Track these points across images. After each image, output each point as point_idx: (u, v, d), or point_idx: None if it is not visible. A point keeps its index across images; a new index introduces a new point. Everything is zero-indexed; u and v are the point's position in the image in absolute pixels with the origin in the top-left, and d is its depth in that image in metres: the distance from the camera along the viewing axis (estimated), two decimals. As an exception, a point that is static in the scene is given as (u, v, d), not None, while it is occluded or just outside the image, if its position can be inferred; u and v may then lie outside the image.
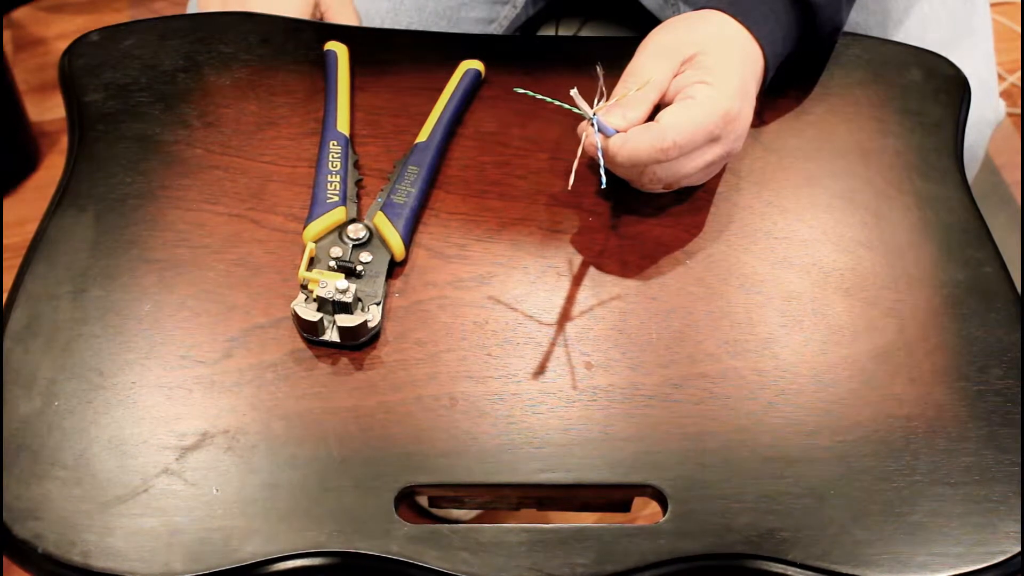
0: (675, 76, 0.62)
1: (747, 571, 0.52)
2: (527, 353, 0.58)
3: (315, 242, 0.61)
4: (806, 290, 0.62)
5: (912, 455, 0.55)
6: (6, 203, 1.45)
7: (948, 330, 0.60)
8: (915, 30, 0.79)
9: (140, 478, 0.52)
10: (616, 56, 0.64)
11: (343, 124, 0.67)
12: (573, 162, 0.59)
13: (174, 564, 0.50)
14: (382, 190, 0.64)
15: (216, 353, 0.57)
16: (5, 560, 0.51)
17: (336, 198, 0.63)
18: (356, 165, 0.66)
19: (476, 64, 0.71)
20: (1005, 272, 0.63)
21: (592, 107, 0.58)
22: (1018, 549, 0.52)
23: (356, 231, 0.61)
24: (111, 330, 0.58)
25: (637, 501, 0.57)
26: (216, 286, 0.60)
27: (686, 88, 0.61)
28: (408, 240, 0.62)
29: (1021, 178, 1.48)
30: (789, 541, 0.52)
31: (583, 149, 0.60)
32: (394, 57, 0.73)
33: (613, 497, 0.56)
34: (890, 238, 0.64)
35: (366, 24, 0.80)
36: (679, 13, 0.71)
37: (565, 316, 0.60)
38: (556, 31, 0.93)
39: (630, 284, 0.62)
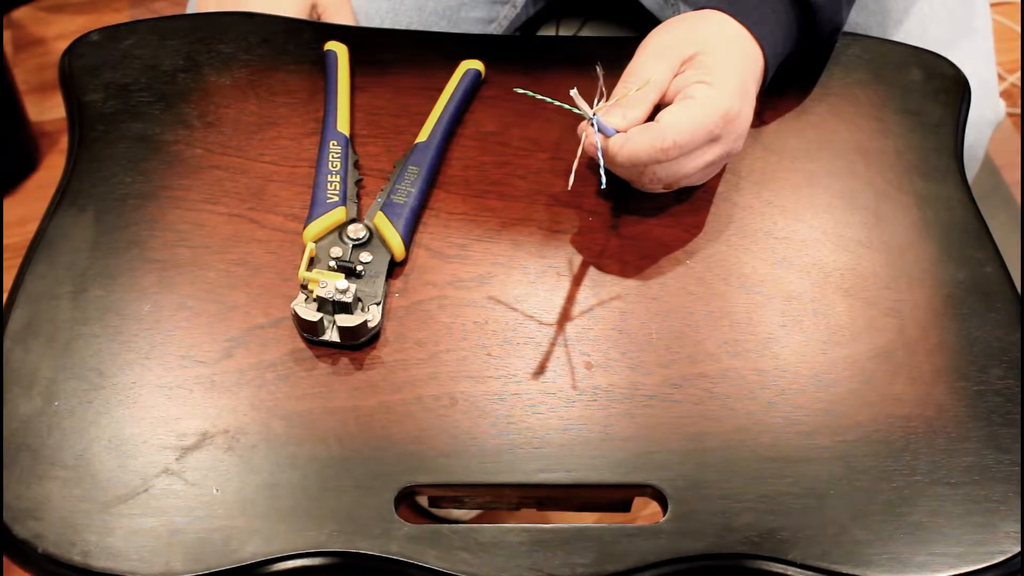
0: (675, 76, 0.62)
1: (747, 571, 0.52)
2: (527, 353, 0.58)
3: (315, 242, 0.61)
4: (806, 290, 0.62)
5: (912, 455, 0.55)
6: (6, 203, 1.45)
7: (948, 330, 0.60)
8: (915, 30, 0.79)
9: (140, 478, 0.52)
10: (616, 56, 0.64)
11: (343, 124, 0.67)
12: (573, 162, 0.59)
13: (174, 564, 0.50)
14: (382, 190, 0.64)
15: (216, 353, 0.57)
16: (5, 560, 0.51)
17: (336, 198, 0.63)
18: (356, 165, 0.66)
19: (476, 64, 0.71)
20: (1005, 272, 0.63)
21: (592, 107, 0.58)
22: (1018, 549, 0.52)
23: (356, 231, 0.61)
24: (111, 330, 0.58)
25: (637, 501, 0.57)
26: (216, 286, 0.60)
27: (686, 88, 0.61)
28: (408, 240, 0.62)
29: (1021, 178, 1.48)
30: (789, 541, 0.52)
31: (583, 149, 0.60)
32: (394, 57, 0.73)
33: (613, 497, 0.56)
34: (890, 238, 0.64)
35: (366, 24, 0.80)
36: (679, 13, 0.71)
37: (565, 316, 0.60)
38: (556, 31, 0.93)
39: (630, 284, 0.62)
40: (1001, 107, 0.83)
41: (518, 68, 0.72)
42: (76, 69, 0.70)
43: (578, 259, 0.63)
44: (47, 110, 1.54)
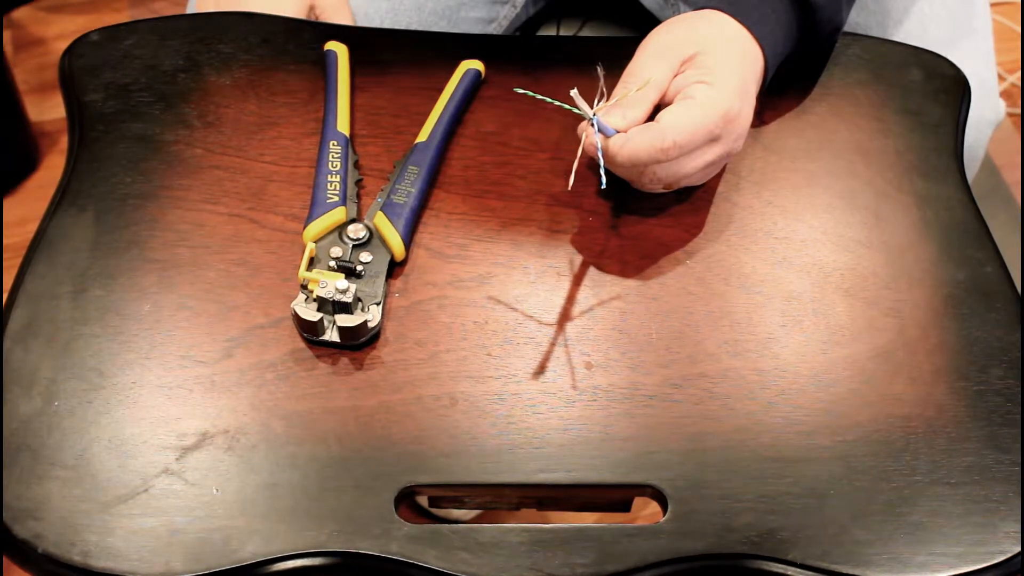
0: (675, 76, 0.62)
1: (747, 571, 0.52)
2: (527, 353, 0.58)
3: (315, 242, 0.61)
4: (806, 290, 0.62)
5: (912, 455, 0.55)
6: (6, 203, 1.45)
7: (948, 330, 0.60)
8: (915, 30, 0.79)
9: (140, 478, 0.52)
10: (616, 56, 0.64)
11: (343, 124, 0.67)
12: (573, 162, 0.59)
13: (174, 564, 0.50)
14: (382, 190, 0.64)
15: (216, 353, 0.57)
16: (5, 560, 0.51)
17: (336, 198, 0.63)
18: (356, 165, 0.66)
19: (476, 64, 0.71)
20: (1005, 272, 0.63)
21: (592, 107, 0.58)
22: (1018, 549, 0.52)
23: (356, 231, 0.61)
24: (111, 330, 0.58)
25: (637, 501, 0.57)
26: (216, 286, 0.60)
27: (686, 88, 0.61)
28: (408, 240, 0.62)
29: (1021, 178, 1.48)
30: (789, 541, 0.52)
31: (583, 149, 0.60)
32: (394, 57, 0.73)
33: (613, 497, 0.56)
34: (890, 238, 0.64)
35: (365, 24, 0.80)
36: (679, 13, 0.71)
37: (565, 316, 0.60)
38: (556, 31, 0.93)
39: (630, 284, 0.62)
40: (1001, 107, 0.83)
41: (518, 68, 0.72)
42: (76, 69, 0.70)
43: (578, 259, 0.63)
44: (47, 110, 1.54)
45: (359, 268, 0.60)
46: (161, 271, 0.60)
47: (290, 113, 0.69)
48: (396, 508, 0.52)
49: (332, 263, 0.60)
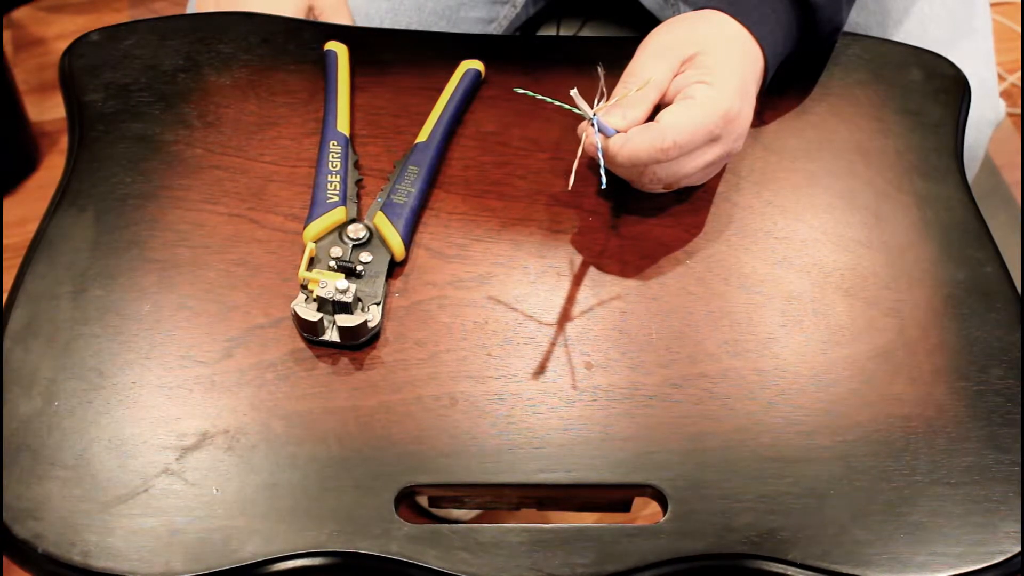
0: (675, 76, 0.62)
1: (747, 571, 0.52)
2: (527, 353, 0.58)
3: (315, 242, 0.61)
4: (806, 290, 0.62)
5: (912, 455, 0.55)
6: (6, 203, 1.45)
7: (948, 330, 0.60)
8: (915, 30, 0.79)
9: (140, 478, 0.52)
10: (616, 56, 0.64)
11: (343, 124, 0.67)
12: (573, 162, 0.59)
13: (174, 564, 0.50)
14: (382, 190, 0.64)
15: (216, 353, 0.57)
16: (5, 560, 0.51)
17: (336, 198, 0.63)
18: (356, 165, 0.66)
19: (476, 64, 0.71)
20: (1005, 272, 0.63)
21: (592, 107, 0.58)
22: (1018, 549, 0.52)
23: (356, 231, 0.61)
24: (111, 330, 0.58)
25: (637, 501, 0.57)
26: (216, 286, 0.60)
27: (686, 88, 0.61)
28: (408, 240, 0.62)
29: (1021, 178, 1.48)
30: (789, 541, 0.52)
31: (583, 149, 0.60)
32: (394, 57, 0.73)
33: (613, 497, 0.56)
34: (890, 238, 0.64)
35: (365, 24, 0.80)
36: (679, 13, 0.71)
37: (565, 316, 0.60)
38: (556, 31, 0.93)
39: (630, 284, 0.62)
40: (1001, 107, 0.83)
41: (518, 68, 0.72)
42: (76, 69, 0.70)
43: (578, 259, 0.63)
44: (47, 110, 1.54)
45: (359, 268, 0.60)
46: (161, 271, 0.60)
47: (290, 113, 0.69)
48: (396, 508, 0.52)
49: (332, 263, 0.60)
